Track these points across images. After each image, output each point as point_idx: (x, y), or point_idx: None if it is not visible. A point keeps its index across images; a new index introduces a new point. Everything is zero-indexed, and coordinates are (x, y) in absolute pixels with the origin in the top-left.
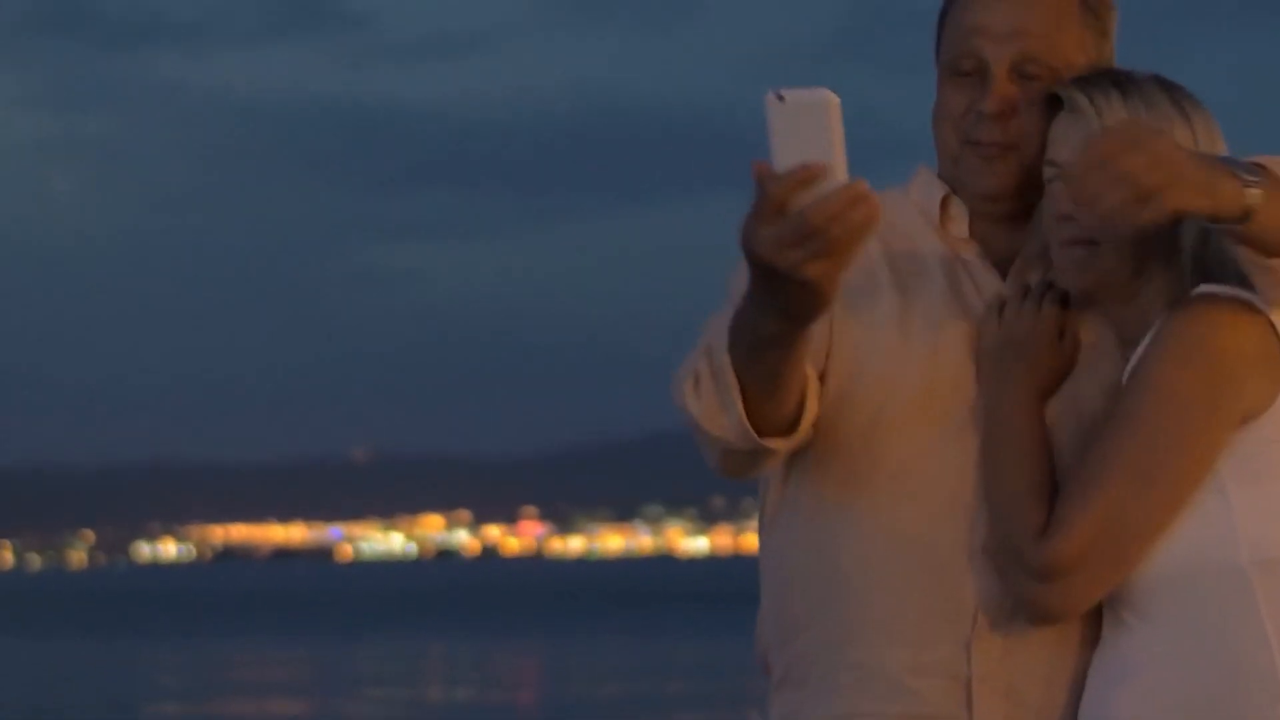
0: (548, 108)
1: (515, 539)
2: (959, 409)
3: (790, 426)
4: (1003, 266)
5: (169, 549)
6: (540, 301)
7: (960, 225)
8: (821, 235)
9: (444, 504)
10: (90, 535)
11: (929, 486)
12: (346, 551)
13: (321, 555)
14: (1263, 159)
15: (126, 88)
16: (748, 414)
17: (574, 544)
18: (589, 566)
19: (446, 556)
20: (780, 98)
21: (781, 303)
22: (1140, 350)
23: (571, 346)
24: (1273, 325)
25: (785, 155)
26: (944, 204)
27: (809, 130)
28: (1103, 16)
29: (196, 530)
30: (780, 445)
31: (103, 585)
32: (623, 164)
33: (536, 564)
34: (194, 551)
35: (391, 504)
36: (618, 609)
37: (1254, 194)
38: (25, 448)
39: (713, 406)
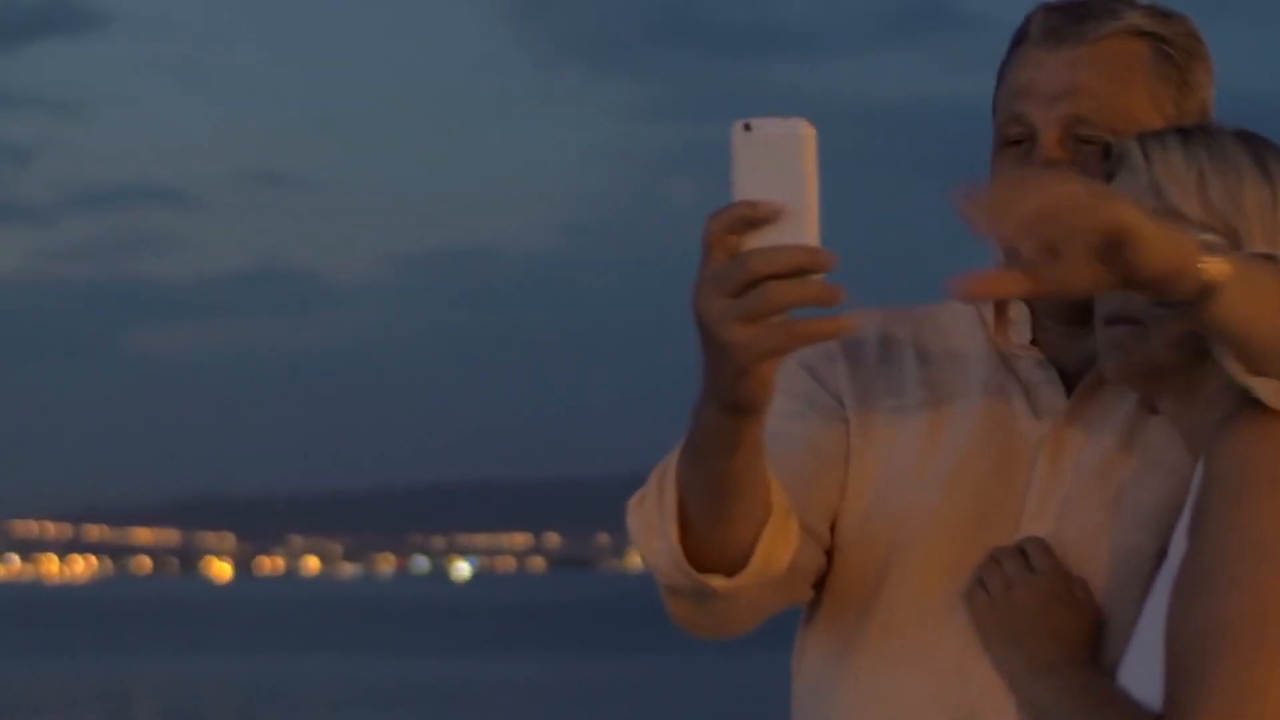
0: None
1: None
2: (973, 559)
3: (738, 564)
4: (1072, 380)
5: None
6: None
7: (1021, 330)
8: (758, 292)
9: None
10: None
11: (927, 652)
12: None
13: None
14: None
15: (743, 94)
16: (688, 544)
17: None
18: None
19: None
20: (747, 127)
21: (713, 376)
22: (1199, 479)
23: None
24: None
25: (745, 195)
26: (999, 304)
27: (778, 169)
28: (1184, 66)
29: None
30: (720, 585)
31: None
32: None
33: None
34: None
35: None
36: None
37: (1215, 265)
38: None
39: (651, 527)
